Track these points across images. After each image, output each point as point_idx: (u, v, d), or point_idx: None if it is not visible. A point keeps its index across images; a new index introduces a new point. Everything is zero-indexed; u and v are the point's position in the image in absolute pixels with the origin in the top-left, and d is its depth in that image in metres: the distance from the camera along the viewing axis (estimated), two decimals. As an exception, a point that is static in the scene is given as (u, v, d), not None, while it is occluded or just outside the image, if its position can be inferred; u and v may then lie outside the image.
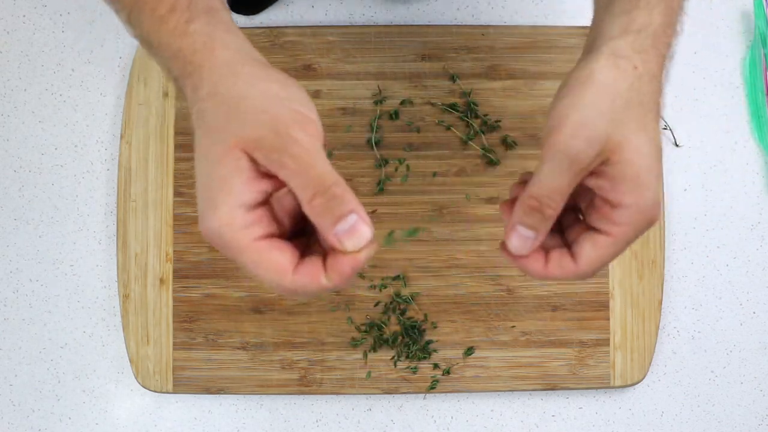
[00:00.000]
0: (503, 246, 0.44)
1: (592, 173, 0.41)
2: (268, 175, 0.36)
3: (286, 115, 0.35)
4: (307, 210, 0.35)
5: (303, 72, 0.76)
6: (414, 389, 0.75)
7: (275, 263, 0.35)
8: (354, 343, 0.75)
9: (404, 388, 0.75)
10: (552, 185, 0.41)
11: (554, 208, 0.42)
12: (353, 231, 0.35)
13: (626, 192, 0.40)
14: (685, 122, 0.79)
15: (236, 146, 0.34)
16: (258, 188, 0.35)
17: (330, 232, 0.35)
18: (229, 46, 0.37)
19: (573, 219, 0.46)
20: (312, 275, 0.36)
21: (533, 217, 0.42)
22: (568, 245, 0.44)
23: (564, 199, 0.42)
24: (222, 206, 0.34)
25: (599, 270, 0.44)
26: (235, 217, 0.34)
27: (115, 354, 0.77)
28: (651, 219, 0.41)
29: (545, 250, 0.44)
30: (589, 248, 0.43)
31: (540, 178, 0.41)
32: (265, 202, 0.37)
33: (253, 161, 0.35)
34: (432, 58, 0.77)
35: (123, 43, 0.78)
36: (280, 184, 0.36)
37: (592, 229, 0.43)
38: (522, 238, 0.43)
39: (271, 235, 0.36)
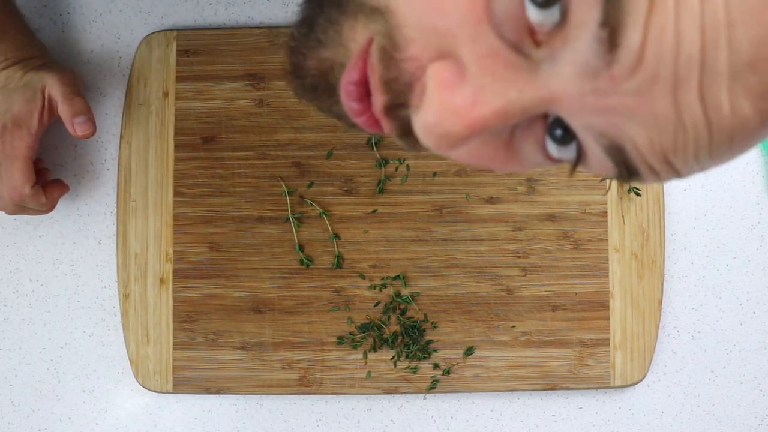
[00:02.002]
0: None
1: None
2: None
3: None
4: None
5: (303, 72, 0.76)
6: (414, 389, 0.75)
7: (30, 172, 0.66)
8: (354, 344, 0.75)
9: (404, 388, 0.75)
10: None
11: None
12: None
13: None
14: (685, 122, 0.79)
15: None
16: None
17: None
18: None
19: None
20: (38, 193, 0.68)
21: None
22: None
23: None
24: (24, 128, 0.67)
25: None
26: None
27: (115, 354, 0.77)
28: None
29: None
30: None
31: None
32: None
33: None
34: (432, 58, 0.77)
35: (123, 43, 0.78)
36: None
37: None
38: None
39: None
